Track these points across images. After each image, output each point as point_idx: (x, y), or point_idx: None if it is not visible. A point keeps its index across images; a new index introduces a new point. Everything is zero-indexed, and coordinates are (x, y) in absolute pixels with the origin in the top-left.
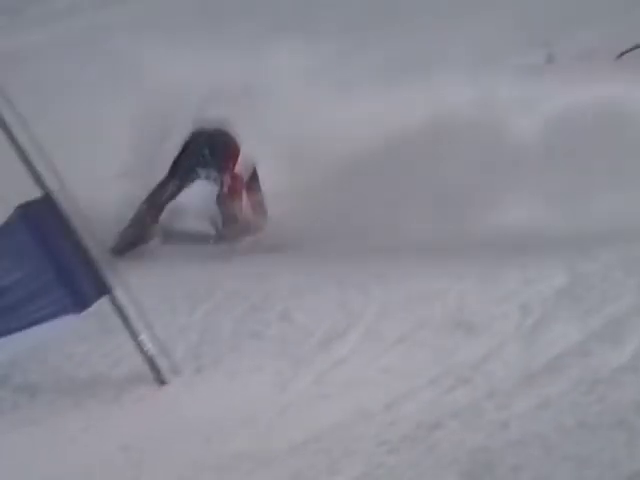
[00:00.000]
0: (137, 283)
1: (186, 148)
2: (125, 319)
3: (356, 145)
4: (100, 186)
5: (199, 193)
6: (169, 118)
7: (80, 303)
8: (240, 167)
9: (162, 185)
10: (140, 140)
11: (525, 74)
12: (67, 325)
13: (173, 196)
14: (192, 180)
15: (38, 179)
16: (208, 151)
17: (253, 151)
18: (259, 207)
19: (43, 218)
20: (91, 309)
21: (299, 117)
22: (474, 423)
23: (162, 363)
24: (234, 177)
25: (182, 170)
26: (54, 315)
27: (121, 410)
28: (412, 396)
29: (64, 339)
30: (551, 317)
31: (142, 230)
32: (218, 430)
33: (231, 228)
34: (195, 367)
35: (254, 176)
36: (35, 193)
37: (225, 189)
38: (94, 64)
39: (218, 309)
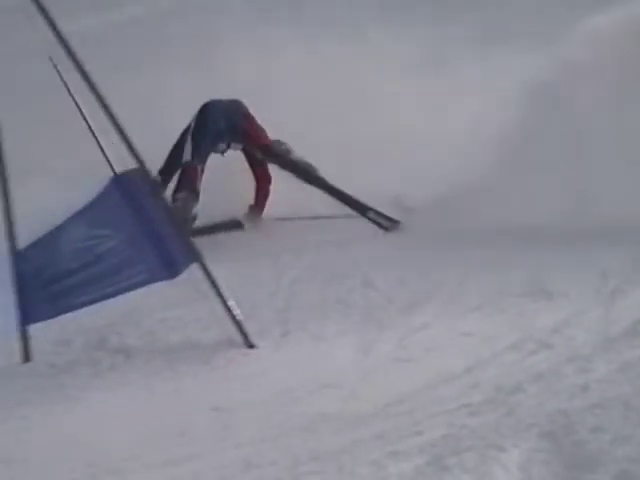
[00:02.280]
0: (224, 254)
1: (201, 122)
2: (215, 285)
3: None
4: None
5: None
6: None
7: (172, 270)
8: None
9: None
10: None
11: None
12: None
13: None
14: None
15: (132, 150)
16: (224, 124)
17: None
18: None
19: (137, 188)
20: (182, 276)
21: None
22: (554, 387)
23: (250, 327)
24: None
25: (203, 150)
26: (147, 281)
27: (211, 372)
28: (493, 360)
29: (157, 305)
30: (630, 282)
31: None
32: (304, 392)
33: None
34: (282, 332)
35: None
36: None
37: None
38: (169, 45)
39: (302, 277)
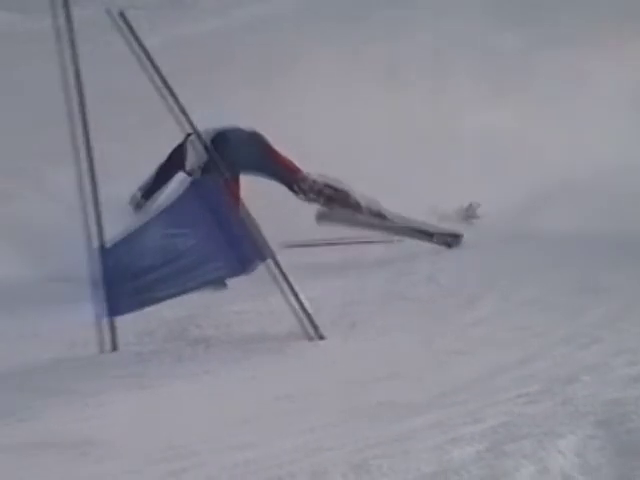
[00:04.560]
0: (294, 250)
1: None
2: (287, 280)
3: None
4: None
5: None
6: None
7: (247, 266)
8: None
9: None
10: None
11: None
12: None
13: None
14: None
15: (210, 154)
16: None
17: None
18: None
19: (213, 190)
20: (257, 271)
21: None
22: (607, 378)
23: (320, 320)
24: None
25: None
26: (224, 277)
27: (284, 361)
28: (547, 353)
29: (234, 298)
30: None
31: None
32: (370, 381)
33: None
34: (349, 324)
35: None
36: None
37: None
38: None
39: (368, 273)
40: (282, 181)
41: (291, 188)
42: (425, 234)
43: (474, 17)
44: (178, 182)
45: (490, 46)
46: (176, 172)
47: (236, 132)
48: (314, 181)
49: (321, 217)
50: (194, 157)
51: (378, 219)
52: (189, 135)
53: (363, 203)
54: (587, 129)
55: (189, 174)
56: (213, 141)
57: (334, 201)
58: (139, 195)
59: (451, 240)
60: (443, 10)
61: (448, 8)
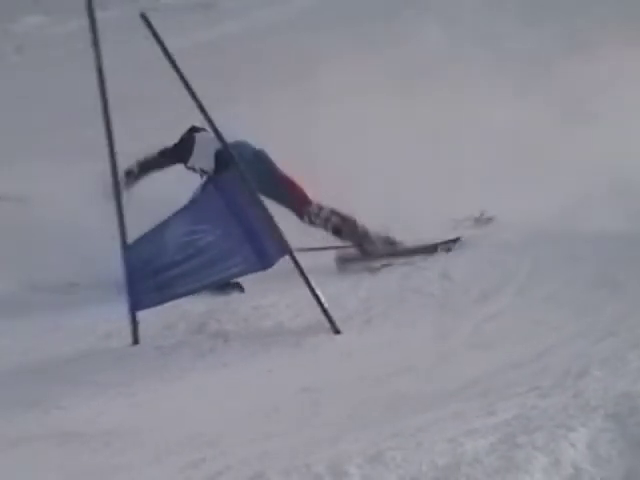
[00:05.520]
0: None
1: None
2: (304, 275)
3: None
4: None
5: None
6: None
7: (265, 261)
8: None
9: None
10: None
11: None
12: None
13: None
14: None
15: (229, 154)
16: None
17: None
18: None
19: (232, 188)
20: (274, 267)
21: None
22: (619, 371)
23: (336, 315)
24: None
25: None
26: (243, 272)
27: (301, 355)
28: (561, 347)
29: (251, 293)
30: None
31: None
32: (385, 374)
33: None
34: (365, 319)
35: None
36: None
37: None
38: (271, 56)
39: (384, 269)
40: (285, 204)
41: (295, 212)
42: (431, 248)
43: (495, 18)
44: (198, 181)
45: (515, 48)
46: (176, 162)
47: (241, 148)
48: (321, 208)
49: (340, 265)
50: (199, 157)
51: (388, 246)
52: (196, 130)
53: (371, 230)
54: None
55: (189, 169)
56: (217, 154)
57: (341, 229)
58: (136, 169)
59: (451, 245)
60: (459, 11)
61: (465, 9)
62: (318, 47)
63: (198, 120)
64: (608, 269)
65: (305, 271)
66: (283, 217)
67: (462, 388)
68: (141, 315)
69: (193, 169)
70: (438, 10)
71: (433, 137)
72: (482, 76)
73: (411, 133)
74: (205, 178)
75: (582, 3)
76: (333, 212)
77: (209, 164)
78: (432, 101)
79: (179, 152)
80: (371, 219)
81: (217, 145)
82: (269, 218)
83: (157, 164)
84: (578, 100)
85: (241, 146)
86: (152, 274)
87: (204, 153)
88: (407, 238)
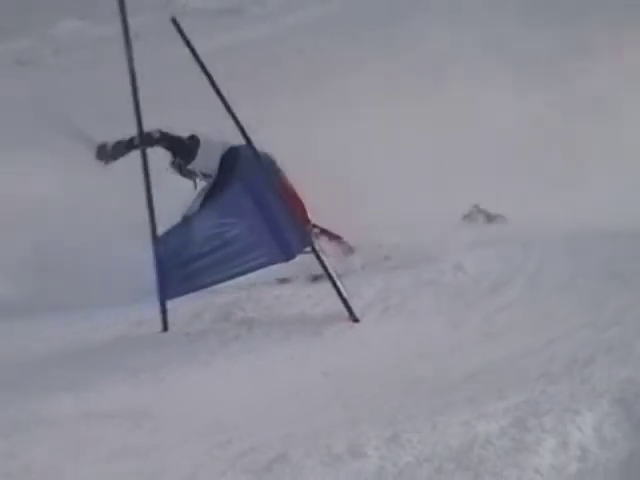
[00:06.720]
0: None
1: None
2: (324, 266)
3: None
4: None
5: None
6: None
7: (288, 253)
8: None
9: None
10: None
11: None
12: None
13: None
14: None
15: (255, 152)
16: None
17: None
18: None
19: (257, 183)
20: (296, 259)
21: None
22: (624, 359)
23: (355, 304)
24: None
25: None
26: (266, 263)
27: (322, 342)
28: (569, 336)
29: (274, 283)
30: None
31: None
32: (401, 360)
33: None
34: (382, 308)
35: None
36: None
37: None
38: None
39: (400, 261)
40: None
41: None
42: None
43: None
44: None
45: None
46: (174, 155)
47: (249, 151)
48: (314, 226)
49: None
50: (202, 161)
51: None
52: (196, 140)
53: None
54: None
55: (185, 172)
56: (224, 156)
57: (327, 248)
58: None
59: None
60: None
61: (481, 12)
62: (332, 52)
63: (223, 118)
64: (614, 264)
65: (325, 261)
66: None
67: (474, 374)
68: (170, 304)
69: (190, 172)
70: (444, 13)
71: (444, 137)
72: (487, 78)
73: (425, 133)
74: (212, 179)
75: (582, 3)
76: (323, 230)
77: (212, 168)
78: (447, 100)
79: (181, 148)
80: (382, 219)
81: (221, 150)
82: (292, 214)
83: (151, 142)
84: (579, 100)
85: (250, 149)
86: (181, 265)
87: (208, 157)
88: (414, 238)
